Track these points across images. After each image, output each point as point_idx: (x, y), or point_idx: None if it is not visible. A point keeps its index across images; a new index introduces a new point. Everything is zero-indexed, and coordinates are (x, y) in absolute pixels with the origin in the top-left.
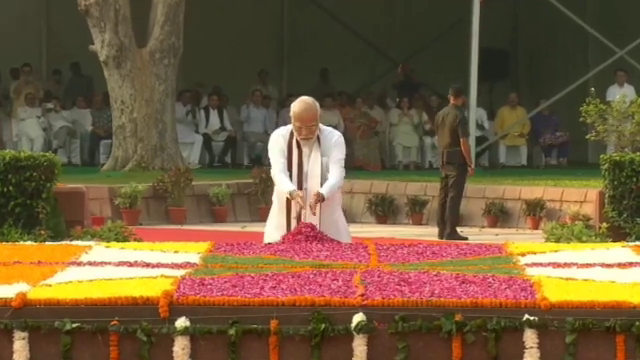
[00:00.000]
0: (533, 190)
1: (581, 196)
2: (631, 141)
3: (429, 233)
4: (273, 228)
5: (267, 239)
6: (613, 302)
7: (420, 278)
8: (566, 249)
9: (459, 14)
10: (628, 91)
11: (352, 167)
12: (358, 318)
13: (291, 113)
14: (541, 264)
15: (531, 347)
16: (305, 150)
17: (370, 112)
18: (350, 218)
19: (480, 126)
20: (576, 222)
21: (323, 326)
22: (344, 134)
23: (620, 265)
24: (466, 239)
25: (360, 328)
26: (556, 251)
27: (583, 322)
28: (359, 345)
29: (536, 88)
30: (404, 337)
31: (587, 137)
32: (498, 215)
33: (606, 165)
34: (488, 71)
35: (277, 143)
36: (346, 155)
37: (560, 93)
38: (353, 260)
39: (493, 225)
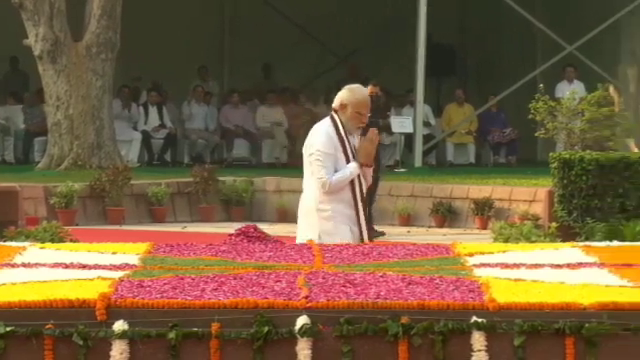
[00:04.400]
0: (481, 189)
1: (530, 195)
2: (581, 139)
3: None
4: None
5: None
6: (562, 303)
7: (366, 279)
8: (515, 249)
9: (406, 9)
10: (577, 87)
11: (296, 165)
12: (302, 321)
13: (347, 101)
14: (489, 265)
15: (479, 350)
16: (351, 139)
17: (314, 109)
18: (294, 218)
19: (426, 123)
20: (525, 222)
21: (266, 329)
22: (288, 131)
23: (570, 266)
24: (383, 234)
25: (304, 331)
26: (504, 251)
27: (532, 324)
28: (303, 349)
29: (484, 84)
30: (349, 340)
31: (536, 135)
32: (446, 215)
33: (555, 163)
34: (435, 67)
35: (329, 147)
36: (290, 153)
37: (508, 89)
38: (297, 261)
39: (441, 225)
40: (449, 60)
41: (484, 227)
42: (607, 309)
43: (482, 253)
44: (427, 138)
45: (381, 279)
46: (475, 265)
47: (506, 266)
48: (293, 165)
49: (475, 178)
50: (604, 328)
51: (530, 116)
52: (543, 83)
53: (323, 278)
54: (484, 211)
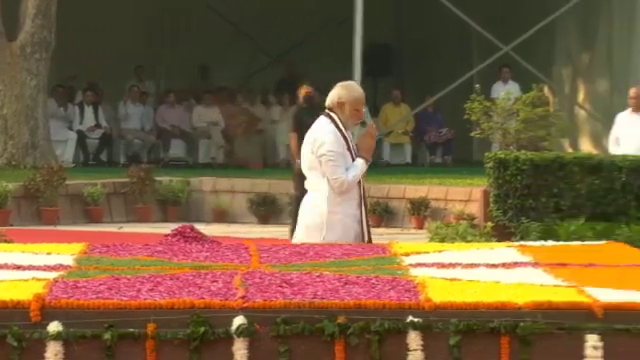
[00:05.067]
0: (418, 189)
1: (466, 195)
2: (516, 139)
3: None
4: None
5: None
6: (498, 303)
7: (302, 279)
8: (451, 249)
9: (342, 8)
10: (513, 88)
11: (233, 165)
12: (238, 321)
13: (344, 98)
14: (425, 264)
15: (415, 349)
16: (347, 135)
17: (251, 108)
18: (231, 218)
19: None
20: (461, 221)
21: (202, 329)
22: (224, 131)
23: (505, 265)
24: None
25: (241, 331)
26: (440, 251)
27: (467, 323)
28: (239, 349)
29: (421, 84)
30: (286, 340)
31: (472, 135)
32: (382, 215)
33: (491, 163)
34: (372, 67)
35: (338, 145)
36: (226, 153)
37: (445, 90)
38: (234, 261)
39: (377, 225)
40: (386, 60)
41: (420, 227)
42: (542, 308)
43: (418, 253)
44: None
45: (318, 279)
46: (411, 265)
47: (442, 266)
48: (229, 165)
49: (411, 178)
50: (538, 327)
51: (466, 116)
52: (479, 83)
53: (260, 278)
54: (420, 211)
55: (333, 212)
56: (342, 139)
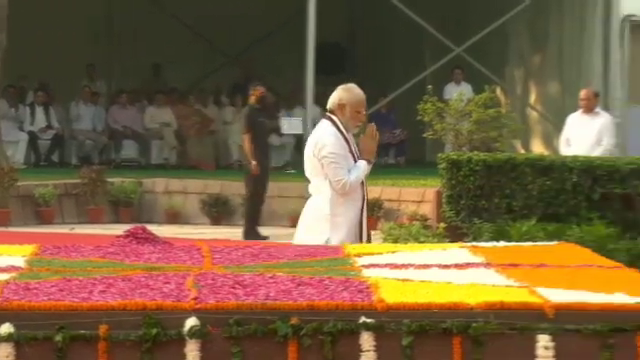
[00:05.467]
0: (370, 190)
1: (419, 196)
2: (468, 140)
3: (267, 234)
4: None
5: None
6: (450, 303)
7: (255, 281)
8: (403, 250)
9: (296, 7)
10: (465, 89)
11: (185, 166)
12: (191, 322)
13: (345, 100)
14: (378, 265)
15: (367, 350)
16: (349, 137)
17: (204, 109)
18: (183, 219)
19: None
20: (414, 222)
21: (154, 331)
22: (177, 132)
23: (457, 266)
24: (266, 238)
25: (193, 333)
26: (393, 252)
27: (420, 324)
28: (192, 350)
29: (374, 85)
30: (238, 341)
31: (424, 136)
32: None
33: (443, 164)
34: (325, 66)
35: (340, 147)
36: (179, 154)
37: (397, 91)
38: (186, 262)
39: None
40: (339, 59)
41: (373, 227)
42: (494, 309)
43: (371, 254)
44: None
45: (271, 280)
46: (364, 265)
47: (395, 266)
48: (181, 166)
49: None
50: (490, 327)
51: (419, 117)
52: (432, 84)
53: (212, 279)
54: (373, 212)
55: (336, 214)
56: (343, 141)
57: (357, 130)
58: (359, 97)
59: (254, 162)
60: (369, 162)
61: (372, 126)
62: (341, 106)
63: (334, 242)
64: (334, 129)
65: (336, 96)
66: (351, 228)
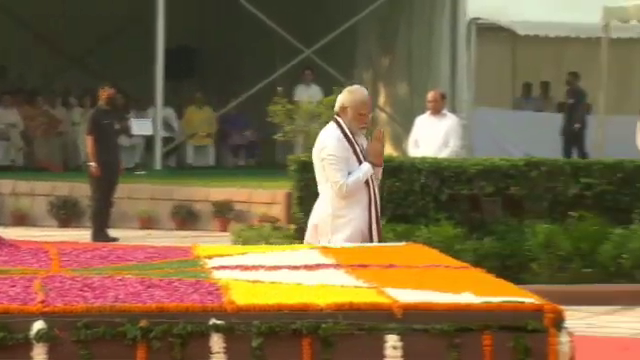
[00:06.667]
0: (221, 191)
1: (269, 197)
2: None
3: (116, 236)
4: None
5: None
6: (300, 304)
7: (104, 283)
8: (254, 251)
9: (144, 9)
10: (315, 91)
11: (33, 168)
12: (38, 326)
13: (347, 102)
14: (228, 267)
15: (217, 352)
16: (359, 140)
17: (52, 111)
18: (31, 221)
19: (169, 126)
20: (264, 224)
21: (1, 335)
22: (23, 133)
23: (307, 267)
24: (116, 240)
25: (40, 336)
26: (244, 253)
27: (270, 325)
28: (39, 354)
29: (225, 87)
30: (87, 345)
31: (275, 137)
32: (186, 217)
33: (294, 166)
34: (175, 69)
35: (341, 150)
36: (26, 155)
37: (248, 92)
38: (33, 265)
39: (181, 227)
40: (189, 62)
41: (224, 229)
42: (343, 309)
43: (221, 255)
44: (167, 140)
45: (120, 282)
46: (214, 267)
47: (245, 268)
48: (28, 168)
49: (215, 180)
50: (340, 328)
51: (269, 119)
52: (283, 86)
53: (60, 282)
54: (224, 213)
55: (338, 215)
56: (347, 143)
57: (363, 132)
58: (361, 99)
59: (93, 164)
60: (375, 165)
61: (379, 130)
62: (344, 108)
63: (338, 241)
64: (338, 131)
65: (340, 98)
66: (357, 229)
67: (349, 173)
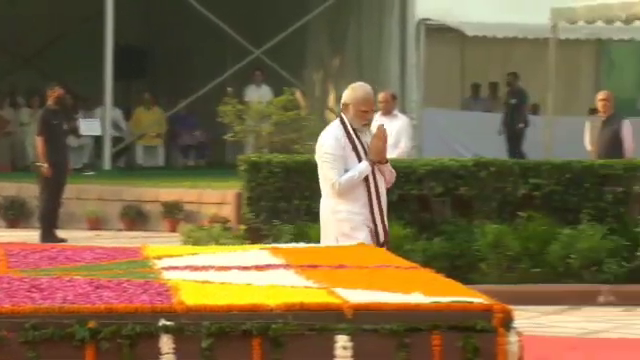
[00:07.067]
0: (171, 192)
1: (219, 198)
2: (268, 142)
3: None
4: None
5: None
6: (250, 305)
7: (52, 284)
8: (204, 252)
9: (93, 9)
10: (265, 91)
11: None
12: None
13: (349, 100)
14: (178, 267)
15: (167, 353)
16: (362, 137)
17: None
18: None
19: (117, 127)
20: (214, 224)
21: None
22: None
23: (257, 267)
24: (64, 241)
25: None
26: (193, 254)
27: (220, 326)
28: None
29: (175, 87)
30: (35, 346)
31: (225, 137)
32: (135, 218)
33: (244, 166)
34: (125, 69)
35: (338, 148)
36: None
37: (197, 93)
38: None
39: (130, 228)
40: (140, 62)
41: (174, 230)
42: (293, 310)
43: (171, 256)
44: (117, 141)
45: (68, 283)
46: (164, 268)
47: (195, 269)
48: None
49: (165, 181)
50: (290, 328)
51: (219, 119)
52: (233, 86)
53: (8, 283)
54: (174, 214)
55: (336, 212)
56: (347, 141)
57: (366, 129)
58: (362, 96)
59: (45, 165)
60: (375, 162)
61: (380, 127)
62: (345, 105)
63: (341, 239)
64: (340, 128)
65: (343, 95)
66: (358, 223)
67: (347, 171)
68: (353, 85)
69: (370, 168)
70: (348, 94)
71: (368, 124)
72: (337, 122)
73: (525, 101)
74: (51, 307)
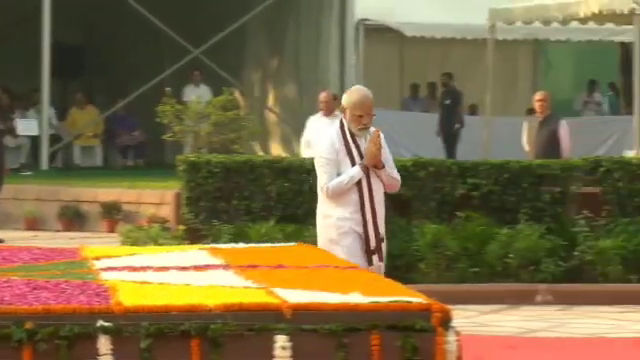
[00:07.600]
0: (109, 192)
1: (158, 198)
2: (208, 142)
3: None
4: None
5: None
6: (189, 305)
7: None
8: (142, 252)
9: (30, 7)
10: (204, 91)
11: None
12: None
13: (345, 104)
14: (116, 268)
15: (105, 354)
16: (360, 142)
17: None
18: None
19: (51, 126)
20: (153, 224)
21: None
22: None
23: (196, 268)
24: (1, 241)
25: None
26: (132, 254)
27: (158, 326)
28: None
29: (112, 87)
30: None
31: (164, 137)
32: (73, 218)
33: (183, 166)
34: (62, 68)
35: (331, 152)
36: None
37: (135, 92)
38: None
39: (68, 229)
40: (76, 61)
41: (112, 230)
42: (232, 310)
43: (109, 256)
44: (54, 141)
45: (5, 284)
46: (102, 269)
47: (133, 269)
48: None
49: (103, 181)
50: (229, 328)
51: (158, 119)
52: (172, 86)
53: None
54: (112, 214)
55: (327, 216)
56: (342, 144)
57: (364, 133)
58: (357, 100)
59: None
60: (368, 167)
61: (376, 131)
62: (343, 109)
63: (328, 244)
64: (338, 131)
65: (342, 99)
66: (346, 231)
67: (340, 175)
68: (352, 88)
69: (362, 173)
70: (345, 98)
71: (365, 128)
72: (336, 125)
73: (460, 101)
74: None
